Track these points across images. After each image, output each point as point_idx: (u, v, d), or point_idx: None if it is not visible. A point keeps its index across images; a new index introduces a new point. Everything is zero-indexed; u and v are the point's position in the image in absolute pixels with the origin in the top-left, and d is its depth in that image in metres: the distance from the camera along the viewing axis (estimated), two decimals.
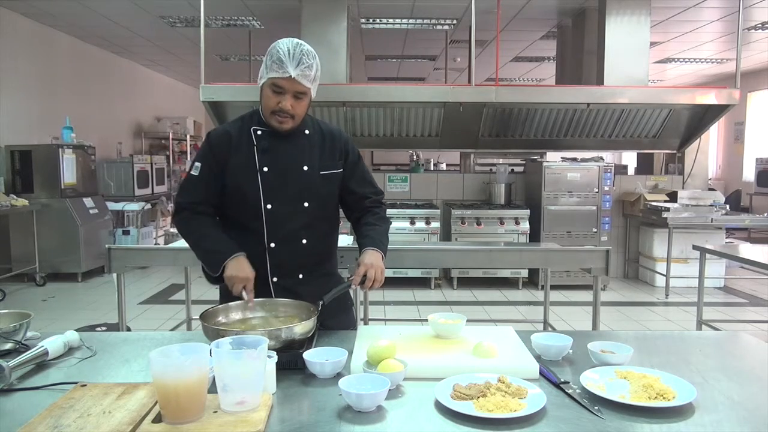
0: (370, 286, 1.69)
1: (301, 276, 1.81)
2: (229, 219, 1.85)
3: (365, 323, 3.66)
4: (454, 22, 6.84)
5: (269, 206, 1.76)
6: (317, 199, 1.80)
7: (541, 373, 1.37)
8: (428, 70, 10.27)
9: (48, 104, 7.05)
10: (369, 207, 1.90)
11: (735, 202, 9.02)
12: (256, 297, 1.68)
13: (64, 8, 6.31)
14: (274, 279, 1.81)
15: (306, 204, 1.78)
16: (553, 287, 5.49)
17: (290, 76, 1.65)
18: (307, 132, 1.83)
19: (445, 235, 6.24)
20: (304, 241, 1.80)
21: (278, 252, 1.79)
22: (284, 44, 1.68)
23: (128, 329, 3.59)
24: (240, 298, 1.66)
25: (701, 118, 5.65)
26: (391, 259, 3.04)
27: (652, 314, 5.39)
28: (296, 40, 1.72)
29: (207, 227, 1.80)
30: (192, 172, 1.80)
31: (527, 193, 6.62)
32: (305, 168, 1.78)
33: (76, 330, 1.61)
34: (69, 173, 6.42)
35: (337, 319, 1.81)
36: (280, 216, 1.77)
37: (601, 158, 6.59)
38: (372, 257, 1.72)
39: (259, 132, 1.78)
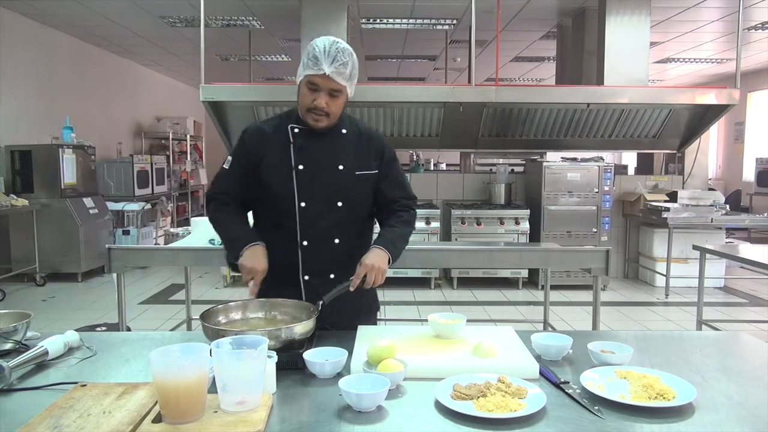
0: (369, 288, 1.69)
1: (332, 276, 1.79)
2: (263, 217, 1.87)
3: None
4: (454, 22, 6.84)
5: (303, 204, 1.76)
6: (351, 199, 1.79)
7: (541, 373, 1.37)
8: (428, 70, 10.27)
9: (48, 104, 7.05)
10: (397, 210, 1.88)
11: (735, 202, 9.02)
12: (285, 294, 1.69)
13: (64, 8, 6.31)
14: (305, 277, 1.80)
15: (340, 204, 1.78)
16: (553, 287, 5.50)
17: (324, 73, 1.65)
18: (344, 131, 1.82)
19: (445, 235, 6.24)
20: (337, 241, 1.79)
21: (310, 251, 1.79)
22: (321, 42, 1.68)
23: (128, 329, 3.59)
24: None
25: (701, 118, 5.65)
26: None
27: (652, 314, 5.39)
28: (333, 38, 1.70)
29: (231, 217, 1.83)
30: (224, 166, 1.84)
31: (527, 193, 6.62)
32: (340, 167, 1.77)
33: (76, 330, 1.61)
34: (69, 173, 6.42)
35: (358, 322, 1.76)
36: (313, 214, 1.77)
37: (601, 158, 6.59)
38: (374, 258, 1.71)
39: (296, 130, 1.78)
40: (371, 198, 1.86)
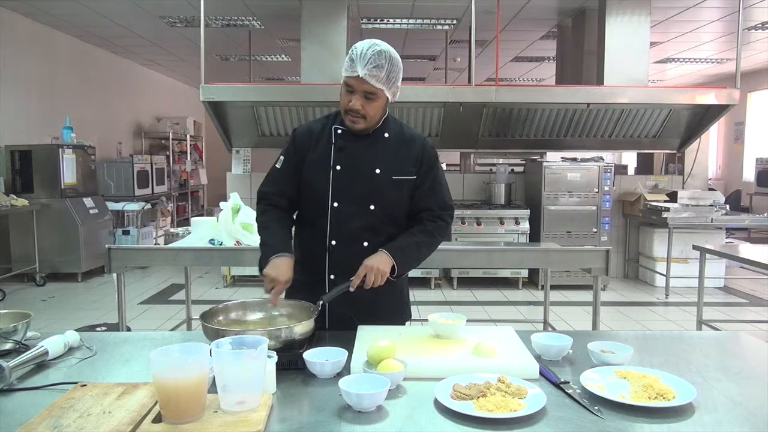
0: (369, 288, 1.68)
1: None
2: (300, 213, 1.88)
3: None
4: (454, 22, 6.84)
5: (335, 204, 1.77)
6: (384, 203, 1.78)
7: (541, 373, 1.37)
8: (428, 70, 10.27)
9: (48, 104, 7.05)
10: (425, 219, 1.84)
11: (735, 202, 9.02)
12: (310, 291, 1.69)
13: (64, 8, 6.31)
14: (331, 277, 1.80)
15: (372, 207, 1.77)
16: (553, 287, 5.49)
17: (358, 75, 1.65)
18: (386, 135, 1.82)
19: None
20: (366, 244, 1.78)
21: (338, 251, 1.79)
22: (360, 45, 1.69)
23: (128, 329, 3.59)
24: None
25: (701, 118, 5.65)
26: None
27: (652, 314, 5.39)
28: (375, 41, 1.71)
29: (272, 220, 1.82)
30: (276, 165, 1.87)
31: (527, 193, 6.62)
32: (377, 171, 1.77)
33: (76, 330, 1.61)
34: (69, 173, 6.42)
35: (388, 321, 1.77)
36: (344, 215, 1.77)
37: (601, 158, 6.59)
38: (377, 260, 1.69)
39: (339, 131, 1.79)
40: (406, 203, 1.83)
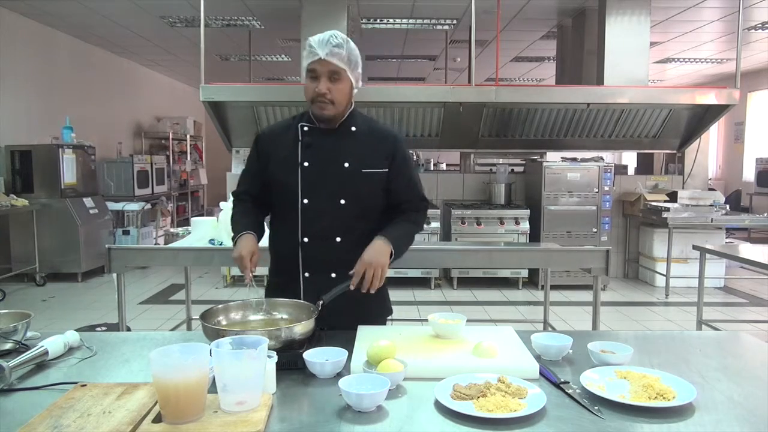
0: (368, 288, 1.66)
1: (333, 275, 1.77)
2: (273, 213, 1.90)
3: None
4: (454, 22, 6.84)
5: (305, 201, 1.77)
6: (355, 196, 1.78)
7: (541, 373, 1.37)
8: (428, 70, 10.27)
9: (48, 104, 7.05)
10: (405, 210, 1.87)
11: (735, 202, 9.02)
12: (285, 290, 1.73)
13: (64, 8, 6.31)
14: (306, 274, 1.81)
15: (342, 201, 1.77)
16: (553, 287, 5.49)
17: (320, 57, 1.68)
18: (354, 129, 1.82)
19: (445, 235, 6.24)
20: (338, 239, 1.78)
21: (311, 248, 1.79)
22: (315, 35, 1.72)
23: (128, 329, 3.59)
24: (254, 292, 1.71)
25: (701, 118, 5.65)
26: None
27: (652, 314, 5.39)
28: (330, 31, 1.75)
29: (238, 213, 1.88)
30: (244, 166, 1.94)
31: (527, 193, 6.62)
32: (346, 165, 1.77)
33: (76, 330, 1.61)
34: (69, 173, 6.42)
35: (369, 318, 1.77)
36: (315, 211, 1.77)
37: (601, 158, 6.58)
38: (374, 253, 1.68)
39: (305, 128, 1.81)
40: (379, 197, 1.84)
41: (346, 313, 1.69)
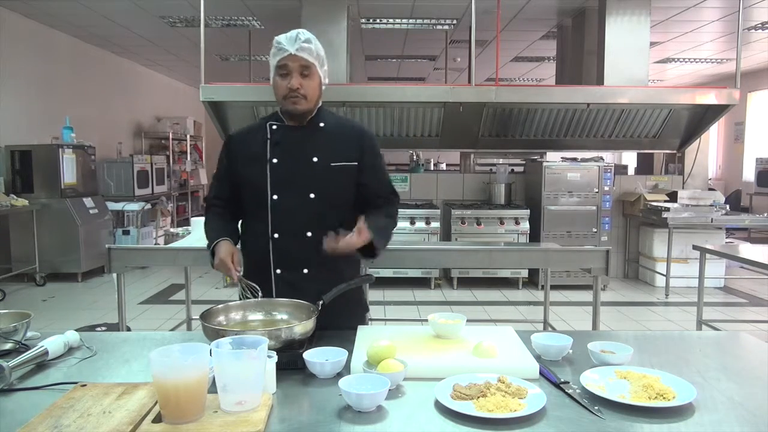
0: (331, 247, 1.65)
1: (306, 271, 1.79)
2: (244, 211, 1.91)
3: (365, 323, 3.65)
4: (454, 22, 6.84)
5: (275, 197, 1.78)
6: (324, 190, 1.79)
7: (541, 373, 1.37)
8: (428, 70, 10.27)
9: (48, 104, 7.05)
10: (379, 205, 1.88)
11: (735, 202, 9.02)
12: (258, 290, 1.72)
13: (64, 8, 6.31)
14: (278, 271, 1.81)
15: (312, 195, 1.78)
16: (553, 287, 5.49)
17: (290, 53, 1.70)
18: (322, 125, 1.84)
19: (445, 235, 6.24)
20: (309, 234, 1.78)
21: (282, 244, 1.80)
22: (282, 34, 1.76)
23: (128, 329, 3.59)
24: (246, 292, 1.71)
25: (701, 118, 5.65)
26: (391, 259, 3.07)
27: (652, 314, 5.39)
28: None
29: (211, 220, 1.92)
30: (215, 171, 1.95)
31: (527, 193, 6.62)
32: (315, 159, 1.79)
33: (76, 330, 1.61)
34: (69, 173, 6.42)
35: (344, 319, 1.74)
36: (285, 207, 1.78)
37: (601, 158, 6.58)
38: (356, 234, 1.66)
39: (274, 126, 1.82)
40: (350, 192, 1.85)
41: (323, 312, 1.66)
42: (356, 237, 1.65)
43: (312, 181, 1.78)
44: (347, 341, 1.51)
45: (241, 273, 1.74)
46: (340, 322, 1.67)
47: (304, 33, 1.74)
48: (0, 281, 5.83)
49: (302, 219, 1.78)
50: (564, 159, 6.36)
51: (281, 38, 1.74)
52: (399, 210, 1.97)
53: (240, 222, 1.93)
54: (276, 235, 1.79)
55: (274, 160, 1.79)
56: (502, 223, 6.11)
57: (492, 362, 1.41)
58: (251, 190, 1.83)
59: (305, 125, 1.83)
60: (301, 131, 1.82)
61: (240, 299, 1.74)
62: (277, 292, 1.78)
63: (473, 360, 1.43)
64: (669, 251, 5.90)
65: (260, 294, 1.70)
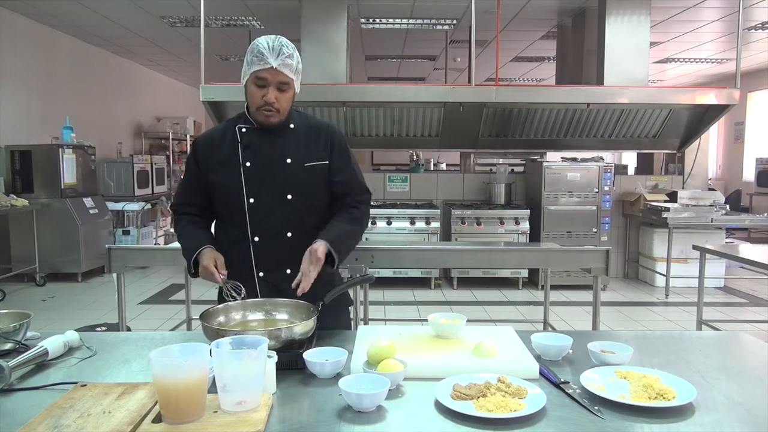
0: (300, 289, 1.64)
1: (288, 271, 1.77)
2: (218, 216, 1.89)
3: (365, 323, 3.66)
4: (454, 22, 6.84)
5: (251, 200, 1.78)
6: (301, 191, 1.79)
7: (541, 373, 1.37)
8: (428, 70, 10.27)
9: (48, 104, 7.05)
10: (348, 205, 1.86)
11: (735, 202, 9.02)
12: (242, 288, 1.72)
13: (64, 8, 6.31)
14: (260, 274, 1.81)
15: (289, 196, 1.78)
16: (553, 287, 5.49)
17: (272, 66, 1.67)
18: (292, 126, 1.83)
19: (445, 235, 6.24)
20: (289, 235, 1.79)
21: (262, 246, 1.80)
22: (263, 39, 1.71)
23: (128, 329, 3.59)
24: (231, 292, 1.69)
25: (701, 118, 5.65)
26: (392, 259, 3.07)
27: (652, 314, 5.39)
28: (274, 36, 1.74)
29: (185, 226, 1.87)
30: (182, 177, 1.93)
31: (527, 193, 6.62)
32: (288, 161, 1.78)
33: (76, 330, 1.61)
34: (69, 173, 6.42)
35: (330, 318, 1.74)
36: (262, 209, 1.78)
37: (601, 158, 6.59)
38: (309, 260, 1.66)
39: (243, 129, 1.81)
40: (325, 190, 1.85)
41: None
42: (312, 265, 1.64)
43: (287, 182, 1.78)
44: (347, 341, 1.51)
45: (226, 276, 1.72)
46: (323, 314, 1.63)
47: (286, 46, 1.70)
48: (0, 281, 5.83)
49: (281, 220, 1.79)
50: (564, 159, 6.36)
51: (263, 47, 1.67)
52: (370, 211, 1.95)
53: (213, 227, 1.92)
54: (256, 239, 1.79)
55: (248, 164, 1.77)
56: (502, 223, 6.11)
57: (492, 362, 1.41)
58: (226, 195, 1.80)
59: (276, 127, 1.80)
60: (272, 133, 1.80)
61: (225, 300, 1.72)
62: (261, 293, 1.78)
63: (473, 360, 1.43)
64: (669, 251, 5.90)
65: (243, 291, 1.69)
